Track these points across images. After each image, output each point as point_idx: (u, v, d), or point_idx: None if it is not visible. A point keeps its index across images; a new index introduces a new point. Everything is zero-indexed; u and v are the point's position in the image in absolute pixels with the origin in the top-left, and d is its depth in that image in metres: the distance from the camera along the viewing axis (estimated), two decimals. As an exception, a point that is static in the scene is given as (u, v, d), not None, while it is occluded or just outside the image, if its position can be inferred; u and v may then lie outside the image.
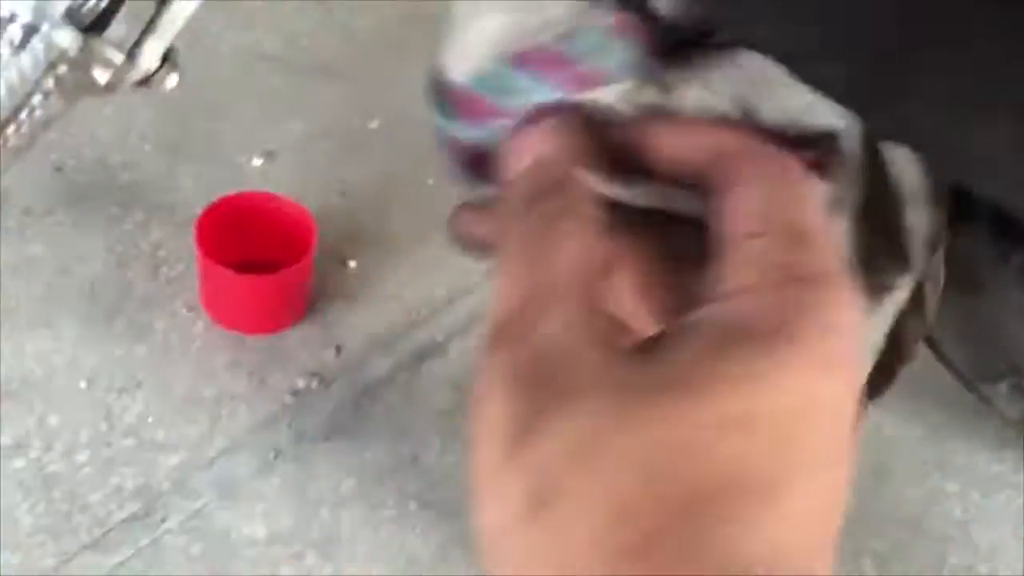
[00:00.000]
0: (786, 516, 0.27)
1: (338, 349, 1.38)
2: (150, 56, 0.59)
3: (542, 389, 0.28)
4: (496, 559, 0.28)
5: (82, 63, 0.53)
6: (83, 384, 1.27)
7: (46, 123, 0.52)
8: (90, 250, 1.41)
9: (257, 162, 1.59)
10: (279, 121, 1.66)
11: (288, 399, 1.31)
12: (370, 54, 1.81)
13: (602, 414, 0.27)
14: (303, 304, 1.39)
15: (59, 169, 1.51)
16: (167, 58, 0.62)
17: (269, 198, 1.39)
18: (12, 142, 0.54)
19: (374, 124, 1.70)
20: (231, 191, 1.42)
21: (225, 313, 1.35)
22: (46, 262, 1.39)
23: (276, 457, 1.25)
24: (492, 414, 0.29)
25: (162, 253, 1.42)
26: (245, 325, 1.35)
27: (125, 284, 1.39)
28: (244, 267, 1.32)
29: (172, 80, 0.63)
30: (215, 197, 1.37)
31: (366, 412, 1.32)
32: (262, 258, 1.35)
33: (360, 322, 1.42)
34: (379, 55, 1.82)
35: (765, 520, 0.27)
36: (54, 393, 1.26)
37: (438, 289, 1.47)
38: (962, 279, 1.08)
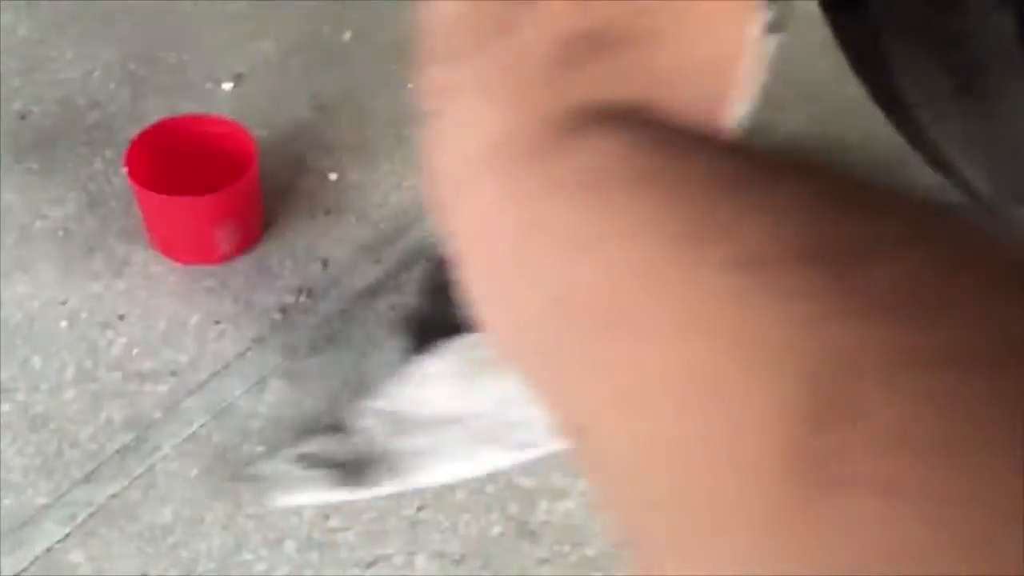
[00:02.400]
0: (685, 59, 0.31)
1: (324, 263, 1.33)
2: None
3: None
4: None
5: None
6: (64, 324, 1.24)
7: None
8: (62, 192, 1.38)
9: (227, 86, 1.53)
10: (247, 43, 1.60)
11: (276, 316, 1.27)
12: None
13: None
14: (257, 225, 1.33)
15: (24, 117, 1.47)
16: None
17: (200, 120, 1.34)
18: None
19: (347, 36, 1.64)
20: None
21: (170, 244, 1.30)
22: (18, 209, 1.36)
23: (268, 374, 1.21)
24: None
25: (136, 187, 1.38)
26: (191, 254, 1.30)
27: (100, 222, 1.35)
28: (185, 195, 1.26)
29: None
30: (185, 125, 1.33)
31: (358, 321, 1.27)
32: (204, 185, 1.27)
33: (345, 234, 1.36)
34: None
35: (666, 52, 0.31)
36: (36, 335, 1.23)
37: (424, 193, 1.42)
38: (972, 77, 1.00)
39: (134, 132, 1.34)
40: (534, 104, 0.30)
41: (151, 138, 1.30)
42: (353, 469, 1.08)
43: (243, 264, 1.32)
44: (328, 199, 1.40)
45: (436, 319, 1.11)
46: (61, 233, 1.33)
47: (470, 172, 0.32)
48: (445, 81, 0.33)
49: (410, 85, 1.56)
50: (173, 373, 1.21)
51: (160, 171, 1.28)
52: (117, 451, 1.14)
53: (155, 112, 1.48)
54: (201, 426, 1.16)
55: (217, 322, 1.26)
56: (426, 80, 0.33)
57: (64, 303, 1.26)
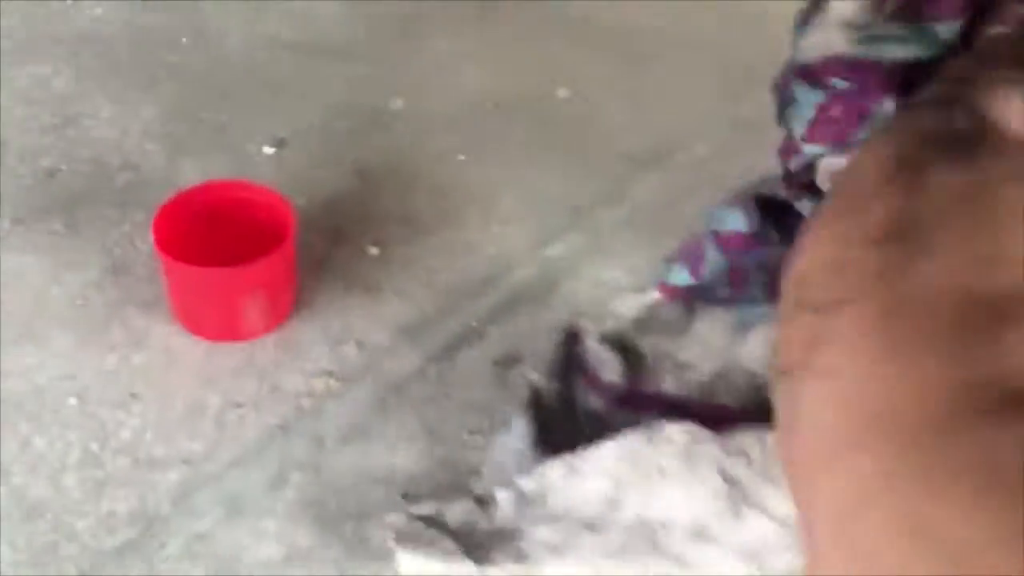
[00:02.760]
0: None
1: (359, 345, 1.22)
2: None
3: None
4: None
5: None
6: (73, 400, 1.13)
7: None
8: (84, 256, 1.28)
9: (268, 150, 1.45)
10: (292, 107, 1.52)
11: (304, 402, 1.16)
12: (390, 34, 1.67)
13: None
14: (289, 300, 1.23)
15: (52, 174, 1.39)
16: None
17: (236, 186, 1.24)
18: None
19: (397, 104, 1.55)
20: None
21: (195, 318, 1.20)
22: (36, 271, 1.26)
23: (291, 468, 1.09)
24: None
25: (163, 254, 1.28)
26: (216, 329, 1.19)
27: (122, 290, 1.25)
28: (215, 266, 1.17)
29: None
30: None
31: (393, 411, 1.15)
32: (235, 255, 1.18)
33: (384, 314, 1.25)
34: (400, 34, 1.67)
35: None
36: (41, 411, 1.12)
37: (471, 271, 1.31)
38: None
39: (167, 196, 1.25)
40: (929, 373, 0.26)
41: (183, 204, 1.20)
42: (477, 542, 0.96)
43: (271, 342, 1.21)
44: (367, 275, 1.30)
45: (564, 402, 1.00)
46: (79, 301, 1.24)
47: (843, 440, 0.27)
48: (815, 331, 0.30)
49: (461, 157, 1.46)
50: (186, 461, 1.09)
51: (190, 239, 1.18)
52: (117, 548, 1.02)
53: (191, 175, 1.39)
54: (212, 524, 1.04)
55: (239, 405, 1.14)
56: (793, 329, 0.31)
57: (74, 378, 1.16)
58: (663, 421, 0.98)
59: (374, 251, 1.32)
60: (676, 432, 0.95)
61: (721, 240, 1.11)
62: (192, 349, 1.19)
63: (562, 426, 1.04)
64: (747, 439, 0.91)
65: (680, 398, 1.05)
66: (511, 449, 1.05)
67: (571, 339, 1.11)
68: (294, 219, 1.19)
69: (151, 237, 1.18)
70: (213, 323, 1.19)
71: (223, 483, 1.08)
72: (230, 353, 1.19)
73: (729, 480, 0.90)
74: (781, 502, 0.82)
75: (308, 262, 1.27)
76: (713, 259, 1.12)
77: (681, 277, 1.16)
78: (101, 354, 1.18)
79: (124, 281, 1.26)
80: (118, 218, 1.33)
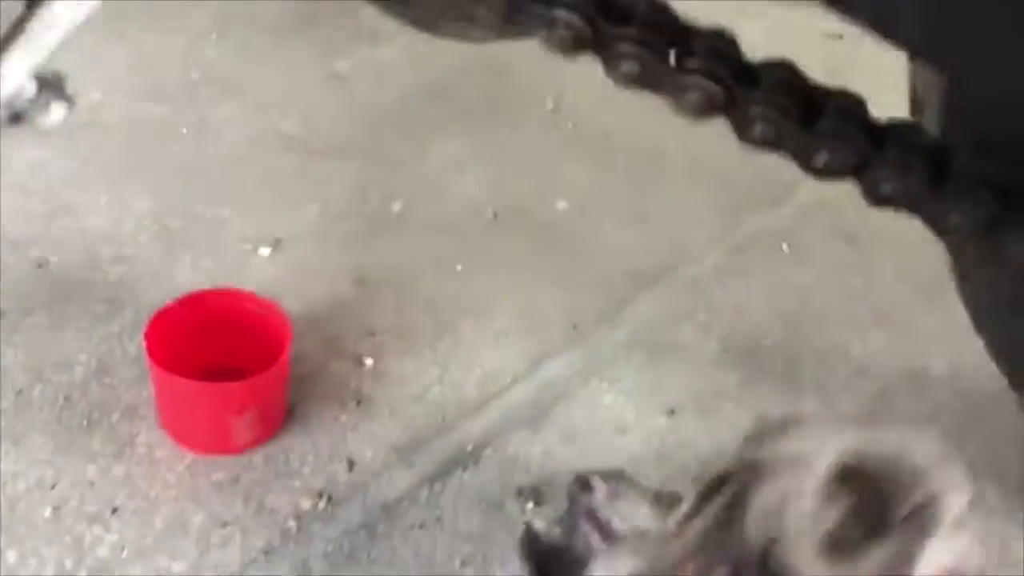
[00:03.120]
0: None
1: (350, 463, 1.18)
2: (15, 75, 0.42)
3: None
4: None
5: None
6: (48, 512, 1.09)
7: None
8: (69, 355, 1.24)
9: (264, 251, 1.42)
10: (291, 206, 1.50)
11: (291, 524, 1.11)
12: (392, 135, 1.66)
13: None
14: (280, 413, 1.19)
15: (40, 266, 1.35)
16: (47, 84, 0.45)
17: (236, 296, 1.21)
18: None
19: (397, 206, 1.53)
20: (231, 285, 1.25)
21: (182, 429, 1.16)
22: (18, 369, 1.22)
23: (274, 595, 1.05)
24: None
25: (152, 356, 1.24)
26: (204, 442, 1.15)
27: (107, 391, 1.21)
28: (207, 377, 1.14)
29: (57, 113, 0.46)
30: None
31: (383, 537, 1.11)
32: (227, 366, 1.16)
33: (376, 430, 1.22)
34: (402, 135, 1.66)
35: None
36: (14, 523, 1.07)
37: (467, 390, 1.28)
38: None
39: (158, 292, 1.22)
40: None
41: (177, 312, 1.17)
42: None
43: (259, 457, 1.17)
44: (360, 387, 1.26)
45: (573, 552, 0.95)
46: (61, 402, 1.19)
47: None
48: None
49: (459, 267, 1.44)
50: (165, 584, 1.04)
51: (182, 347, 1.15)
52: None
53: (184, 272, 1.36)
54: (189, 655, 1.00)
55: (224, 525, 1.10)
56: None
57: (52, 487, 1.11)
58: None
59: (368, 362, 1.29)
60: None
61: None
62: (177, 461, 1.15)
63: (560, 569, 1.01)
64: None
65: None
66: None
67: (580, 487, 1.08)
68: (290, 333, 1.16)
69: (141, 341, 1.15)
70: (201, 436, 1.15)
71: (202, 609, 1.03)
72: (217, 467, 1.15)
73: None
74: None
75: (301, 372, 1.24)
76: None
77: None
78: (82, 462, 1.13)
79: (109, 382, 1.22)
80: (107, 314, 1.30)
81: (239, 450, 1.16)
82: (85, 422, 1.18)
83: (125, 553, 1.06)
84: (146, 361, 1.15)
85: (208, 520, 1.10)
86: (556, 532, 1.02)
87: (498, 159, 1.63)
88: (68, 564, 1.05)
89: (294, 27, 1.84)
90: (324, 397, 1.24)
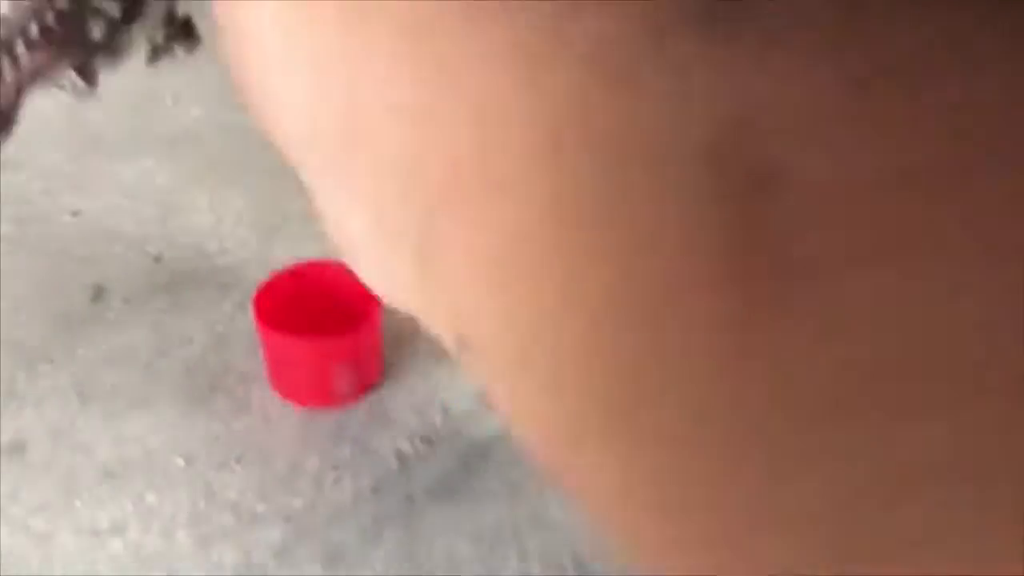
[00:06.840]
0: None
1: (445, 410, 1.29)
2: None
3: None
4: None
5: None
6: (181, 462, 1.22)
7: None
8: (189, 333, 1.38)
9: (353, 235, 1.55)
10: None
11: (394, 463, 1.23)
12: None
13: None
14: (377, 369, 1.31)
15: (158, 260, 1.50)
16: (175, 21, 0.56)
17: (325, 266, 1.33)
18: None
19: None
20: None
21: (290, 386, 1.28)
22: (145, 347, 1.36)
23: (385, 524, 1.16)
24: None
25: (260, 330, 1.38)
26: (309, 397, 1.28)
27: (224, 363, 1.34)
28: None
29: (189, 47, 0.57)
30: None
31: (478, 472, 1.22)
32: (328, 328, 1.27)
33: (468, 381, 1.33)
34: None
35: None
36: (152, 473, 1.21)
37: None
38: None
39: (261, 276, 1.35)
40: None
41: (280, 282, 1.30)
42: None
43: (361, 409, 1.29)
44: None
45: None
46: (185, 372, 1.33)
47: None
48: None
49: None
50: (287, 518, 1.16)
51: (286, 316, 1.27)
52: (226, 597, 1.09)
53: (281, 257, 1.50)
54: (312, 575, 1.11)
55: (335, 467, 1.22)
56: None
57: (182, 442, 1.24)
58: None
59: (455, 325, 1.41)
60: None
61: None
62: (289, 416, 1.28)
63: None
64: None
65: None
66: None
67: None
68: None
69: (250, 312, 1.28)
70: (308, 390, 1.27)
71: (321, 538, 1.15)
72: (324, 418, 1.27)
73: None
74: None
75: (395, 330, 1.35)
76: None
77: None
78: (205, 421, 1.27)
79: (225, 355, 1.35)
80: (218, 297, 1.44)
81: (342, 402, 1.28)
82: (206, 388, 1.31)
83: (250, 494, 1.19)
84: (255, 330, 1.28)
85: (320, 464, 1.22)
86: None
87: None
88: (201, 505, 1.17)
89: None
90: (418, 353, 1.36)
